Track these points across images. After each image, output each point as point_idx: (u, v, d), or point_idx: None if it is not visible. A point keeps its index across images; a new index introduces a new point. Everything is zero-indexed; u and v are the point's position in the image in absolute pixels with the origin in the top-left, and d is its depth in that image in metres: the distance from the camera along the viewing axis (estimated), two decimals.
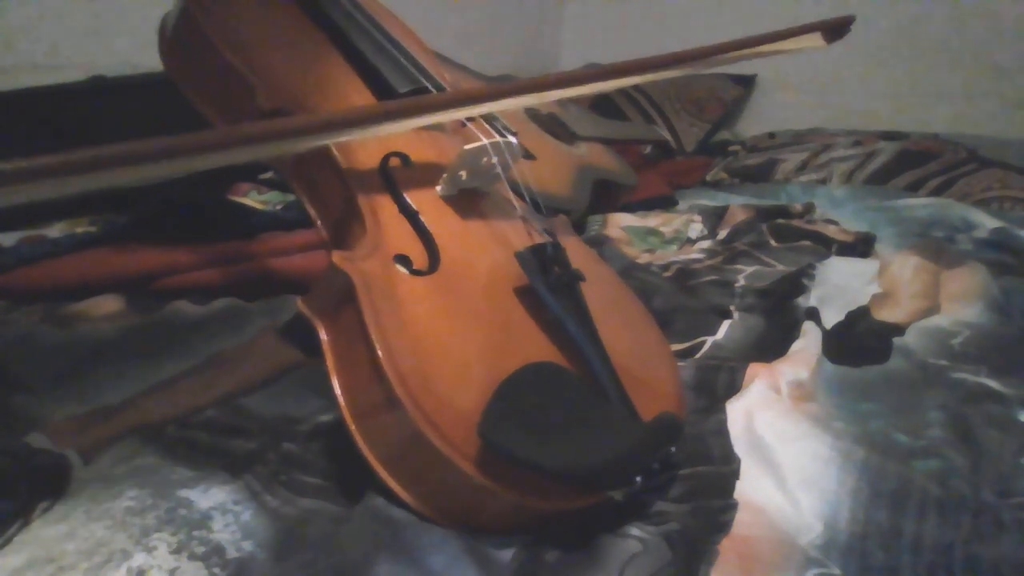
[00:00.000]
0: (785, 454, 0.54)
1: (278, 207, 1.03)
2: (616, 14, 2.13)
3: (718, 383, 0.65)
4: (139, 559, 0.44)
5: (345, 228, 0.59)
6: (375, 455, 0.47)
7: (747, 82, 1.93)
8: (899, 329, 0.73)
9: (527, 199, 0.64)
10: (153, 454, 0.53)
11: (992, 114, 1.64)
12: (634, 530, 0.47)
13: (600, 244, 0.97)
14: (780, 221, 1.07)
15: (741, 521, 0.49)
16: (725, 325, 0.75)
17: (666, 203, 1.24)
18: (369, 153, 0.61)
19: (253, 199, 1.07)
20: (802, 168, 1.44)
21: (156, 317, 0.74)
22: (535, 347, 0.52)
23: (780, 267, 0.90)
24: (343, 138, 0.56)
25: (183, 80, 0.69)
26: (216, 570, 0.44)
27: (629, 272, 0.88)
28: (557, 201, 0.94)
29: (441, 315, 0.52)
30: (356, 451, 0.48)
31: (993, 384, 0.64)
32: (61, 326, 0.72)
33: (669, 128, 1.73)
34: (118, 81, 1.16)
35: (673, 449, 0.51)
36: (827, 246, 0.97)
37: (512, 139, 0.63)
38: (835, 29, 0.73)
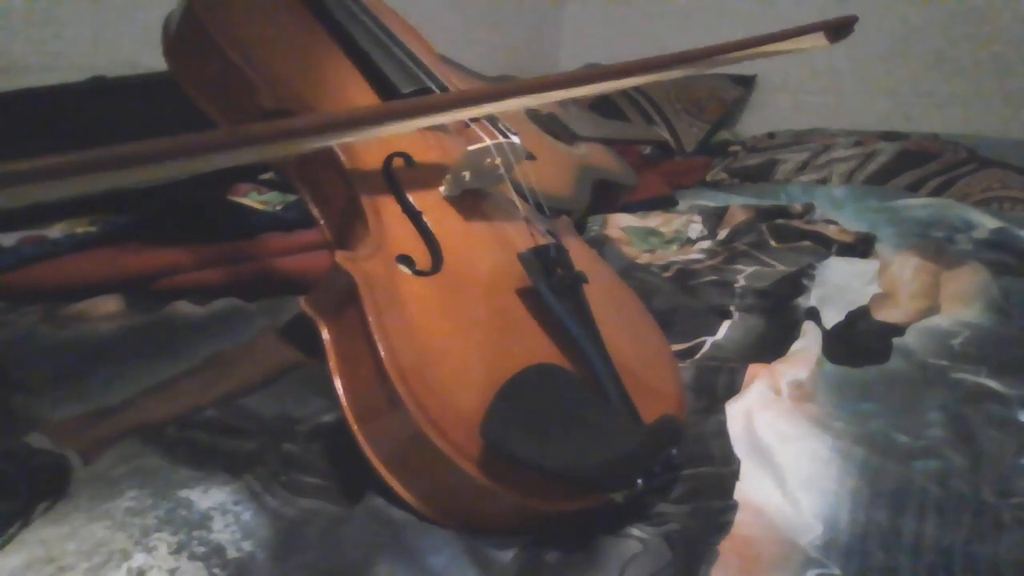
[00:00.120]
0: (785, 454, 0.54)
1: (278, 207, 1.03)
2: (616, 14, 2.13)
3: (718, 384, 0.65)
4: (139, 559, 0.44)
5: (348, 228, 0.59)
6: (377, 455, 0.47)
7: (747, 82, 1.93)
8: (899, 329, 0.73)
9: (530, 200, 0.64)
10: (153, 454, 0.53)
11: (992, 114, 1.64)
12: (634, 530, 0.47)
13: (600, 244, 0.97)
14: (780, 221, 1.07)
15: (741, 521, 0.49)
16: (725, 325, 0.75)
17: (666, 203, 1.24)
18: (372, 153, 0.61)
19: (253, 199, 1.07)
20: (802, 168, 1.44)
21: (156, 317, 0.74)
22: (537, 348, 0.52)
23: (780, 267, 0.90)
24: (346, 139, 0.56)
25: (186, 79, 0.69)
26: (216, 570, 0.44)
27: (629, 272, 0.88)
28: (557, 201, 0.94)
29: (444, 315, 0.52)
30: (357, 451, 0.48)
31: (993, 384, 0.64)
32: (61, 326, 0.72)
33: (669, 128, 1.73)
34: (118, 81, 1.16)
35: (674, 451, 0.51)
36: (827, 246, 0.97)
37: (515, 140, 0.63)
38: (838, 29, 0.73)
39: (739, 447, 0.55)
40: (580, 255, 0.60)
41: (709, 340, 0.73)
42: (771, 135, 1.66)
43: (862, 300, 0.79)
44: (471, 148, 0.59)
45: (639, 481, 0.46)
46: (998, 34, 1.64)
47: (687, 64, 0.68)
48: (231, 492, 0.50)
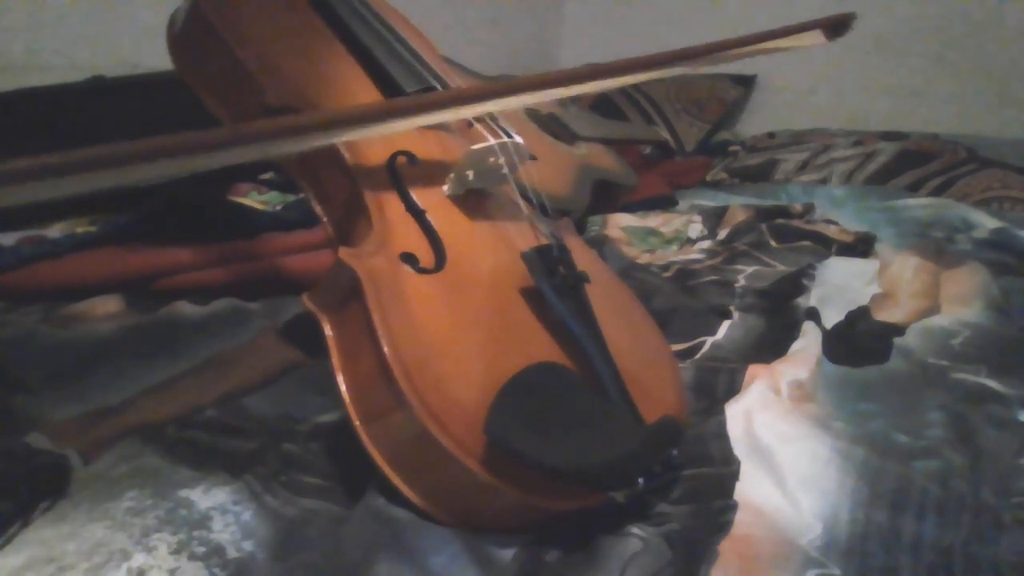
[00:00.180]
0: (785, 455, 0.54)
1: (278, 207, 1.03)
2: (616, 14, 2.13)
3: (718, 385, 0.65)
4: (139, 559, 0.44)
5: (351, 226, 0.59)
6: (380, 452, 0.47)
7: (747, 82, 1.93)
8: (899, 329, 0.73)
9: (533, 200, 0.64)
10: (153, 454, 0.53)
11: (992, 114, 1.64)
12: (634, 530, 0.47)
13: (600, 244, 0.97)
14: (780, 221, 1.07)
15: (741, 522, 0.49)
16: (725, 325, 0.75)
17: (666, 203, 1.24)
18: (377, 152, 0.61)
19: (253, 199, 1.07)
20: (802, 168, 1.44)
21: (156, 317, 0.74)
22: (539, 347, 0.53)
23: (780, 267, 0.90)
24: (348, 136, 0.56)
25: (191, 76, 0.69)
26: (216, 570, 0.44)
27: (629, 272, 0.88)
28: (557, 201, 0.94)
29: (446, 313, 0.52)
30: (360, 448, 0.48)
31: (993, 384, 0.64)
32: (61, 326, 0.72)
33: (669, 128, 1.73)
34: (118, 81, 1.16)
35: (675, 452, 0.51)
36: (827, 246, 0.97)
37: (518, 140, 0.63)
38: (836, 26, 0.73)
39: (739, 447, 0.55)
40: (581, 256, 0.60)
41: (709, 340, 0.73)
42: (771, 135, 1.66)
43: (862, 300, 0.79)
44: (475, 147, 0.60)
45: (640, 480, 0.46)
46: (998, 34, 1.64)
47: (685, 62, 0.68)
48: (231, 492, 0.50)
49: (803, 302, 0.79)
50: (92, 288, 0.78)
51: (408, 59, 0.71)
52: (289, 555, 0.45)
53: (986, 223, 1.06)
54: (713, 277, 0.88)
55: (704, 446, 0.56)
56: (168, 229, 0.88)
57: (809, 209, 1.14)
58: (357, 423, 0.48)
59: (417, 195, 0.59)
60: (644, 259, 0.97)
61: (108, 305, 0.76)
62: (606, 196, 1.11)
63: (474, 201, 0.62)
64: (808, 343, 0.71)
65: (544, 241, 0.60)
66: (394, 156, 0.61)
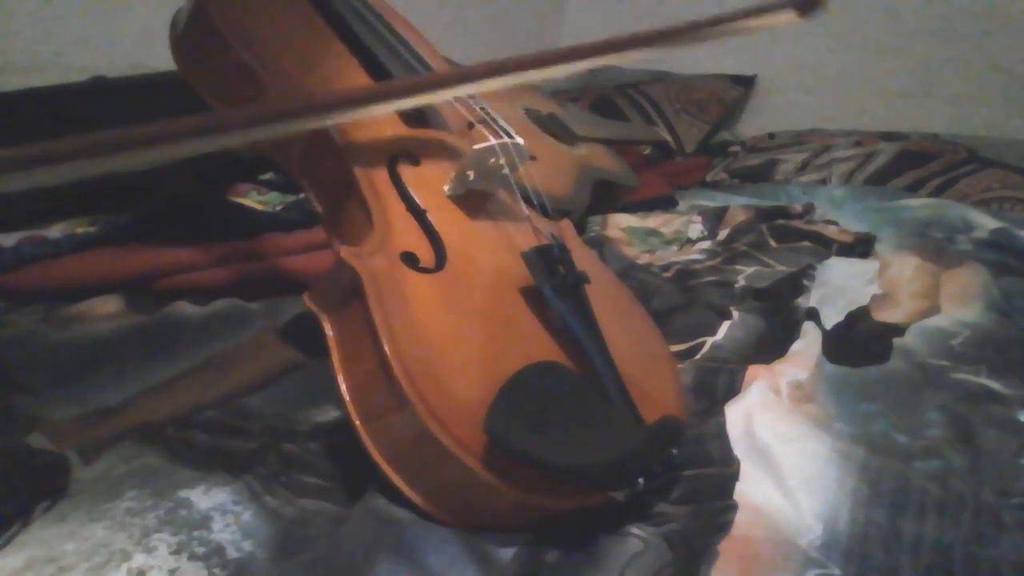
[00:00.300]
0: (785, 455, 0.54)
1: (278, 207, 1.03)
2: (617, 13, 2.13)
3: (718, 385, 0.65)
4: (139, 559, 0.44)
5: (352, 225, 0.59)
6: (380, 452, 0.47)
7: (747, 82, 1.93)
8: (899, 329, 0.73)
9: (533, 200, 0.65)
10: (153, 454, 0.53)
11: (992, 114, 1.64)
12: (634, 530, 0.47)
13: (600, 244, 0.97)
14: (780, 222, 1.07)
15: (741, 522, 0.49)
16: (725, 326, 0.75)
17: (666, 203, 1.24)
18: (378, 152, 0.61)
19: (253, 199, 1.07)
20: (802, 168, 1.44)
21: (156, 317, 0.74)
22: (539, 347, 0.53)
23: (780, 268, 0.90)
24: (336, 120, 0.56)
25: (193, 76, 0.69)
26: (216, 570, 0.44)
27: (629, 272, 0.88)
28: (557, 201, 0.94)
29: (447, 313, 0.52)
30: (360, 448, 0.48)
31: (993, 384, 0.64)
32: (61, 326, 0.72)
33: (669, 128, 1.72)
34: (119, 82, 1.16)
35: (675, 451, 0.51)
36: (827, 247, 0.97)
37: (519, 141, 0.63)
38: (806, 4, 0.73)
39: (739, 448, 0.55)
40: (581, 257, 0.60)
41: (709, 340, 0.73)
42: (771, 135, 1.66)
43: (862, 300, 0.79)
44: (476, 147, 0.60)
45: (640, 480, 0.46)
46: (998, 34, 1.64)
47: (659, 43, 0.69)
48: (231, 492, 0.50)
49: (803, 302, 0.79)
50: (92, 288, 0.78)
51: (408, 59, 0.71)
52: (289, 555, 0.45)
53: (986, 223, 1.05)
54: (713, 277, 0.87)
55: (704, 446, 0.56)
56: (168, 229, 0.88)
57: (809, 209, 1.14)
58: (357, 423, 0.48)
59: (418, 195, 0.59)
60: (644, 259, 0.97)
61: (108, 305, 0.76)
62: (606, 196, 1.11)
63: (475, 201, 0.62)
64: (808, 343, 0.71)
65: (544, 241, 0.60)
66: (395, 156, 0.61)
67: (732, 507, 0.50)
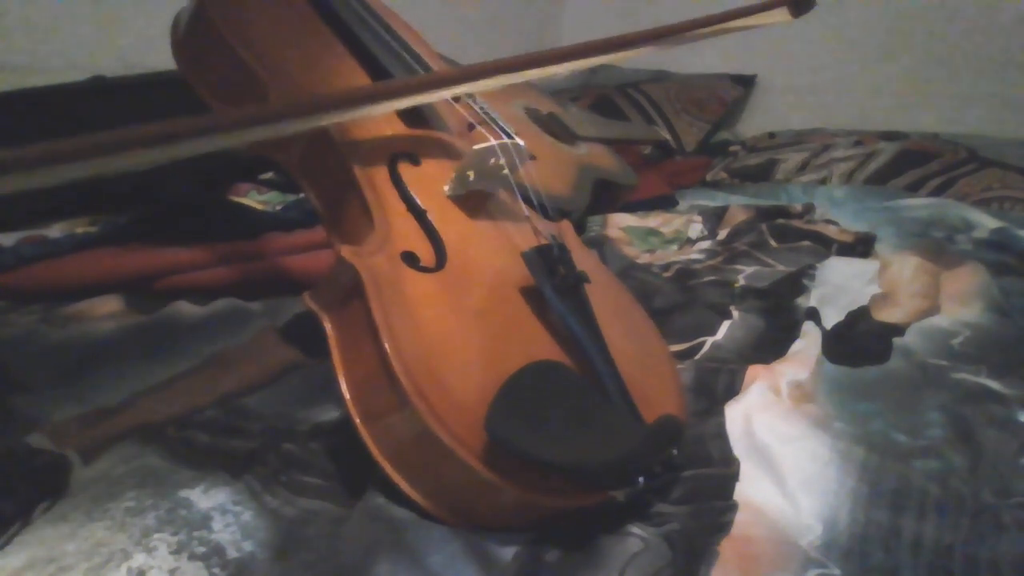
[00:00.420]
0: (785, 455, 0.54)
1: (278, 207, 1.03)
2: (617, 15, 2.13)
3: (718, 385, 0.65)
4: (139, 559, 0.44)
5: (352, 225, 0.59)
6: (381, 451, 0.48)
7: (747, 82, 1.92)
8: (899, 329, 0.73)
9: (533, 201, 0.65)
10: (153, 454, 0.53)
11: (992, 114, 1.64)
12: (634, 530, 0.47)
13: (600, 244, 0.97)
14: (780, 221, 1.07)
15: (741, 522, 0.49)
16: (725, 325, 0.75)
17: (666, 203, 1.24)
18: (378, 152, 0.61)
19: (253, 199, 1.07)
20: (802, 168, 1.44)
21: (156, 317, 0.74)
22: (540, 346, 0.53)
23: (780, 267, 0.90)
24: (336, 119, 0.56)
25: (194, 76, 0.69)
26: (216, 570, 0.44)
27: (629, 272, 0.88)
28: (557, 201, 0.94)
29: (447, 312, 0.52)
30: (360, 448, 0.48)
31: (993, 384, 0.64)
32: (61, 326, 0.72)
33: (669, 128, 1.72)
34: (118, 81, 1.16)
35: (675, 451, 0.51)
36: (827, 246, 0.97)
37: (519, 141, 0.63)
38: (799, 3, 0.74)
39: (739, 448, 0.55)
40: (580, 257, 0.60)
41: (709, 340, 0.73)
42: (771, 135, 1.66)
43: (862, 300, 0.79)
44: (476, 148, 0.60)
45: (640, 480, 0.46)
46: (998, 34, 1.64)
47: (657, 41, 0.69)
48: (231, 492, 0.50)
49: (803, 302, 0.79)
50: (92, 288, 0.78)
51: (407, 59, 0.71)
52: (289, 555, 0.45)
53: (986, 223, 1.05)
54: (713, 277, 0.87)
55: (704, 446, 0.56)
56: (168, 229, 0.88)
57: (809, 209, 1.14)
58: (358, 422, 0.48)
59: (418, 195, 0.59)
60: (644, 259, 0.97)
61: (108, 305, 0.76)
62: (606, 196, 1.10)
63: (475, 201, 0.62)
64: (808, 343, 0.71)
65: (544, 241, 0.60)
66: (396, 157, 0.61)
67: (732, 507, 0.50)
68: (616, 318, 0.59)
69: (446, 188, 0.61)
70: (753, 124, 1.92)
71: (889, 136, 1.48)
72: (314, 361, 0.67)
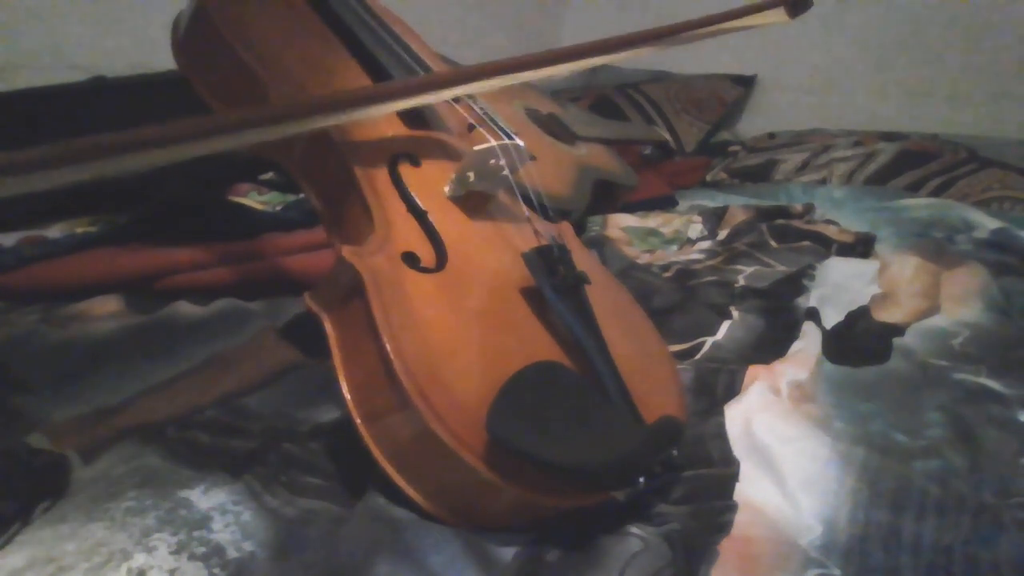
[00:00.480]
0: (785, 455, 0.54)
1: (278, 207, 1.03)
2: (616, 12, 2.13)
3: (718, 386, 0.65)
4: (139, 559, 0.44)
5: (352, 226, 0.59)
6: (382, 451, 0.48)
7: (747, 82, 1.93)
8: (899, 329, 0.73)
9: (533, 201, 0.65)
10: (153, 454, 0.53)
11: (992, 114, 1.64)
12: (634, 530, 0.47)
13: (600, 244, 0.97)
14: (780, 221, 1.07)
15: (741, 522, 0.49)
16: (725, 325, 0.75)
17: (666, 203, 1.24)
18: (378, 153, 0.61)
19: (253, 199, 1.07)
20: (802, 168, 1.44)
21: (156, 317, 0.74)
22: (540, 347, 0.53)
23: (780, 267, 0.90)
24: (336, 120, 0.56)
25: (195, 76, 0.69)
26: (216, 570, 0.44)
27: (629, 272, 0.88)
28: (558, 201, 0.94)
29: (448, 312, 0.52)
30: (360, 448, 0.48)
31: (993, 384, 0.64)
32: (61, 326, 0.72)
33: (669, 128, 1.72)
34: (118, 81, 1.16)
35: (675, 452, 0.51)
36: (827, 246, 0.97)
37: (519, 142, 0.63)
38: (796, 4, 0.74)
39: (739, 448, 0.55)
40: (580, 258, 0.61)
41: (709, 340, 0.73)
42: (771, 135, 1.66)
43: (862, 300, 0.79)
44: (476, 148, 0.60)
45: (640, 480, 0.46)
46: (998, 34, 1.64)
47: (654, 42, 0.70)
48: (231, 492, 0.50)
49: (803, 302, 0.79)
50: (92, 288, 0.78)
51: (407, 60, 0.71)
52: (289, 555, 0.45)
53: (986, 223, 1.06)
54: (713, 277, 0.87)
55: (704, 447, 0.56)
56: (168, 229, 0.88)
57: (809, 209, 1.14)
58: (359, 422, 0.48)
59: (418, 196, 0.59)
60: (644, 259, 0.97)
61: (108, 305, 0.76)
62: (606, 196, 1.11)
63: (475, 202, 0.62)
64: (808, 343, 0.71)
65: (544, 242, 0.60)
66: (396, 158, 0.61)
67: (732, 507, 0.50)
68: (616, 318, 0.59)
69: (446, 189, 0.61)
70: (753, 124, 1.92)
71: (889, 136, 1.48)
72: (314, 361, 0.67)
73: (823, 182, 1.38)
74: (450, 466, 0.45)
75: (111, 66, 1.20)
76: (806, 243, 0.98)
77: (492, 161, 0.61)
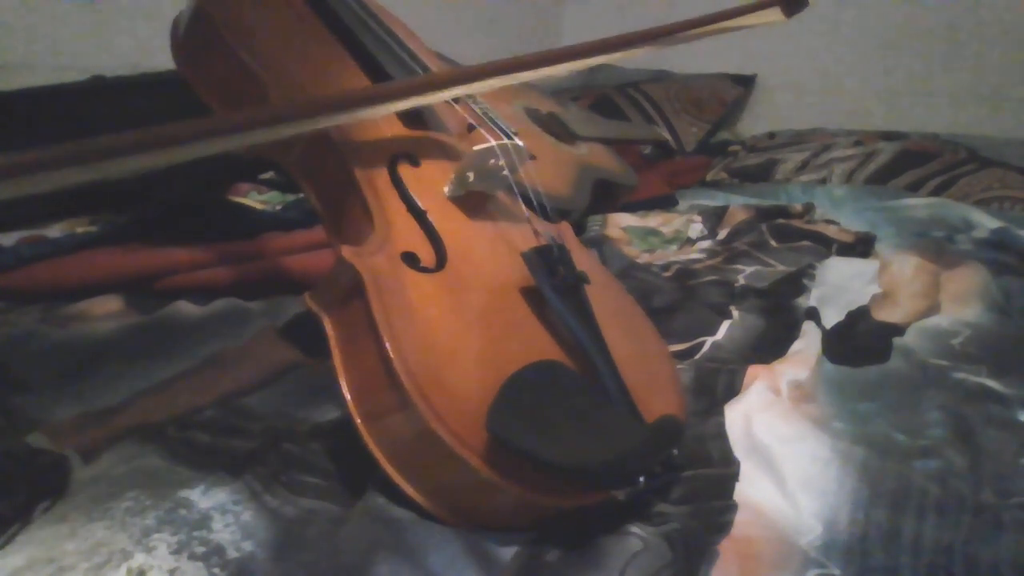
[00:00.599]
0: (785, 455, 0.54)
1: (278, 207, 1.03)
2: (616, 12, 2.13)
3: (718, 386, 0.65)
4: (139, 559, 0.44)
5: (352, 226, 0.59)
6: (382, 451, 0.47)
7: (747, 82, 1.93)
8: (899, 329, 0.73)
9: (533, 201, 0.65)
10: (153, 454, 0.53)
11: (992, 114, 1.64)
12: (634, 530, 0.47)
13: (600, 244, 0.97)
14: (780, 221, 1.07)
15: (741, 522, 0.49)
16: (725, 325, 0.75)
17: (666, 203, 1.24)
18: (378, 153, 0.61)
19: (253, 199, 1.07)
20: (802, 168, 1.44)
21: (156, 317, 0.74)
22: (540, 347, 0.53)
23: (780, 267, 0.90)
24: (336, 121, 0.56)
25: (195, 77, 0.69)
26: (216, 570, 0.44)
27: (629, 272, 0.88)
28: (557, 201, 0.94)
29: (448, 312, 0.52)
30: (360, 448, 0.48)
31: (993, 384, 0.64)
32: (61, 326, 0.72)
33: (669, 128, 1.73)
34: (118, 81, 1.16)
35: (675, 451, 0.51)
36: (827, 246, 0.97)
37: (519, 142, 0.63)
38: (793, 2, 0.74)
39: (738, 448, 0.55)
40: (580, 258, 0.61)
41: (709, 340, 0.73)
42: (771, 135, 1.66)
43: (862, 300, 0.79)
44: (476, 148, 0.60)
45: (640, 480, 0.46)
46: (998, 34, 1.64)
47: (653, 42, 0.70)
48: (231, 492, 0.50)
49: (803, 302, 0.79)
50: (92, 288, 0.78)
51: (407, 60, 0.71)
52: (289, 555, 0.45)
53: (986, 223, 1.06)
54: (713, 277, 0.88)
55: (704, 446, 0.56)
56: (168, 229, 0.88)
57: (809, 209, 1.14)
58: (359, 422, 0.48)
59: (418, 196, 0.59)
60: (644, 259, 0.97)
61: (108, 305, 0.76)
62: (606, 196, 1.11)
63: (475, 202, 0.62)
64: (808, 343, 0.71)
65: (544, 242, 0.60)
66: (395, 158, 0.61)
67: (732, 507, 0.50)
68: (616, 318, 0.59)
69: (446, 189, 0.61)
70: (753, 124, 1.93)
71: (889, 136, 1.48)
72: (314, 361, 0.67)
73: (823, 182, 1.39)
74: (450, 466, 0.45)
75: (111, 66, 1.20)
76: (806, 243, 0.98)
77: (492, 161, 0.61)
